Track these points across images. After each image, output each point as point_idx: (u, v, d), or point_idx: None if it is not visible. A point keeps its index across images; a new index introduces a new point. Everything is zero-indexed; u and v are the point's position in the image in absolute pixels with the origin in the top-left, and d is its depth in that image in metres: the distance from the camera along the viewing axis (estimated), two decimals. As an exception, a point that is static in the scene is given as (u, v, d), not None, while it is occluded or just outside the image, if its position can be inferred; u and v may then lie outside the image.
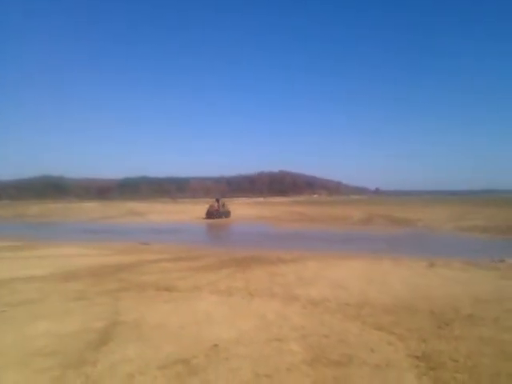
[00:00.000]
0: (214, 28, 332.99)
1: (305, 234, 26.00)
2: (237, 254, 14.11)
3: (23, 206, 64.39)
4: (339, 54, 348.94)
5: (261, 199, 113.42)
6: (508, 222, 27.17)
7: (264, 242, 20.63)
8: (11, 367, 4.34)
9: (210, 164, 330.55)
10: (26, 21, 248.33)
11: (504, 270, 10.60)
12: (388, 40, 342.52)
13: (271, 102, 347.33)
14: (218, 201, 42.47)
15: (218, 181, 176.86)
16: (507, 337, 5.18)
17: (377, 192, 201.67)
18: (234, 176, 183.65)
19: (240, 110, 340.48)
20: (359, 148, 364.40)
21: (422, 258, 12.49)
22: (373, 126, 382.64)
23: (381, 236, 23.37)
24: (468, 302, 7.09)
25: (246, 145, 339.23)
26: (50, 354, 4.68)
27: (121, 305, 6.94)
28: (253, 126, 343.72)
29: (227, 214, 41.41)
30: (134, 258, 13.23)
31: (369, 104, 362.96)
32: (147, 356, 4.55)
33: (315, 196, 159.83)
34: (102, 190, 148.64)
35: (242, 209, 53.63)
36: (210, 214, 39.61)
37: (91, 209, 58.28)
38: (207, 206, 41.31)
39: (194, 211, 42.32)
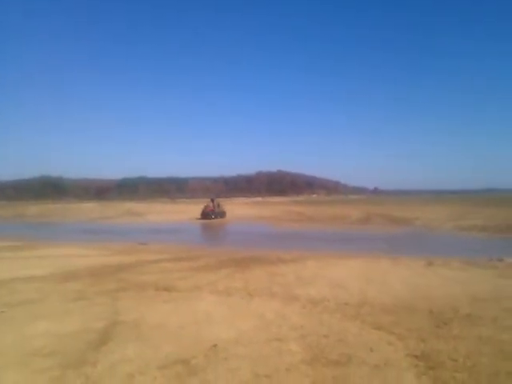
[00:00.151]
0: (214, 28, 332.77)
1: (303, 233, 26.03)
2: (236, 254, 14.12)
3: (22, 207, 64.26)
4: (339, 54, 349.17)
5: (259, 199, 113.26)
6: (507, 221, 27.19)
7: (263, 241, 20.66)
8: (11, 367, 4.34)
9: (209, 164, 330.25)
10: (26, 21, 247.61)
11: (502, 269, 10.63)
12: (388, 40, 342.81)
13: (271, 102, 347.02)
14: (212, 201, 42.08)
15: (216, 181, 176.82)
16: (506, 336, 5.19)
17: (375, 191, 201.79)
18: (233, 176, 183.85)
19: (240, 110, 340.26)
20: (358, 148, 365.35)
21: (420, 258, 12.51)
22: (372, 125, 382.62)
23: (379, 235, 23.41)
24: (466, 301, 7.10)
25: (246, 145, 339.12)
26: (49, 354, 4.68)
27: (120, 305, 6.95)
28: (252, 126, 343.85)
29: (222, 214, 41.16)
30: (134, 258, 13.23)
31: (368, 104, 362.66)
32: (147, 356, 4.56)
33: (314, 196, 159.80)
34: (101, 191, 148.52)
35: (240, 209, 53.62)
36: (204, 215, 39.37)
37: (90, 209, 58.18)
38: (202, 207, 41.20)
39: (193, 211, 42.23)
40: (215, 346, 4.84)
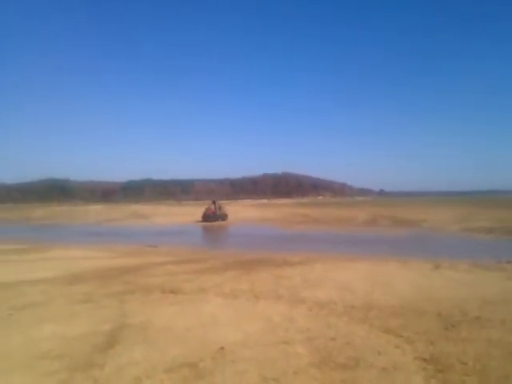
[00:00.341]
0: (215, 28, 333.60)
1: (309, 235, 25.92)
2: (241, 256, 14.11)
3: (29, 209, 64.83)
4: (339, 54, 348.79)
5: (265, 201, 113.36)
6: (514, 223, 26.92)
7: (268, 243, 20.60)
8: (18, 370, 4.36)
9: (214, 166, 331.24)
10: (26, 21, 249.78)
11: (511, 272, 10.50)
12: (388, 40, 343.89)
13: (274, 103, 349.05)
14: (214, 203, 41.57)
15: (222, 183, 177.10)
16: (516, 339, 5.12)
17: (381, 193, 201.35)
18: (238, 178, 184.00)
19: (244, 111, 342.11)
20: (364, 150, 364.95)
21: (427, 260, 12.40)
22: (378, 127, 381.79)
23: (386, 237, 23.26)
24: (475, 303, 7.02)
25: (250, 146, 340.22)
26: (56, 356, 4.70)
27: (127, 307, 6.96)
28: (257, 128, 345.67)
29: (224, 216, 40.69)
30: (140, 261, 13.27)
31: (369, 104, 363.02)
32: (154, 359, 4.56)
33: (320, 197, 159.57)
34: (107, 193, 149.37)
35: (246, 210, 53.63)
36: (206, 217, 39.05)
37: (96, 211, 58.51)
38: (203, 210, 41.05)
39: (198, 213, 42.16)
40: (222, 348, 4.83)
